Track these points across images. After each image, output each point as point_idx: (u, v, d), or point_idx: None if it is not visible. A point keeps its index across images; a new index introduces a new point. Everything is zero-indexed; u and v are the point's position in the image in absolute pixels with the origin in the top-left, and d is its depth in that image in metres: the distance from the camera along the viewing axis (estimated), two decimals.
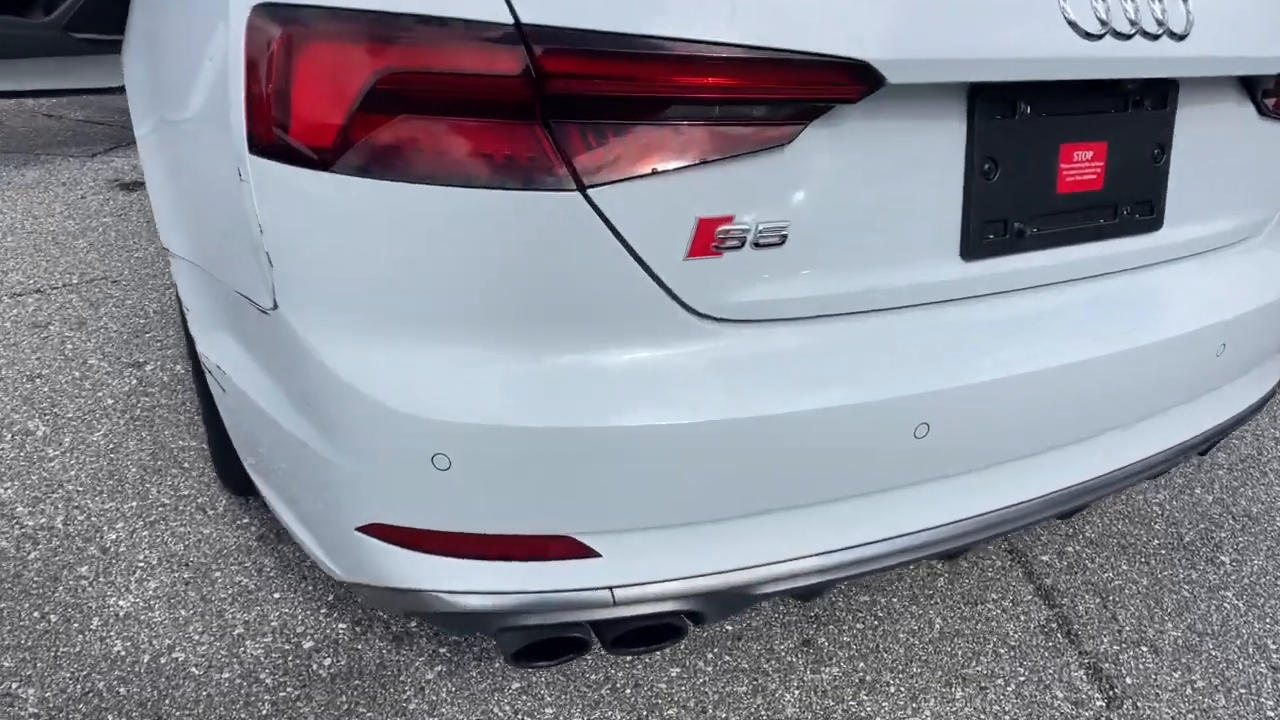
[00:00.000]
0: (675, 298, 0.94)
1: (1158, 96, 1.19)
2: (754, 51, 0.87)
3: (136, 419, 2.06)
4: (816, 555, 1.06)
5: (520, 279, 0.90)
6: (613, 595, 1.00)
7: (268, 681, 1.41)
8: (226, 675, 1.42)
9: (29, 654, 1.44)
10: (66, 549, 1.66)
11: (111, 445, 1.96)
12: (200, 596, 1.57)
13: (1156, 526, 1.92)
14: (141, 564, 1.64)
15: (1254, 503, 2.02)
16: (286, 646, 1.48)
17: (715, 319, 0.97)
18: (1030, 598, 1.69)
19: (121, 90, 2.81)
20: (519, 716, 1.38)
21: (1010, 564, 1.77)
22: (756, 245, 0.96)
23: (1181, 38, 1.10)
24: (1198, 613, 1.69)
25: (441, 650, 1.48)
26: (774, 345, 1.00)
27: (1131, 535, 1.89)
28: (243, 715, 1.35)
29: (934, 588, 1.69)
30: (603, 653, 1.46)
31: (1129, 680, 1.53)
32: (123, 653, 1.45)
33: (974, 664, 1.54)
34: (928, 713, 1.44)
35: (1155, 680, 1.54)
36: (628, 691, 1.44)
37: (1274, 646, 1.63)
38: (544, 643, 1.08)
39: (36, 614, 1.52)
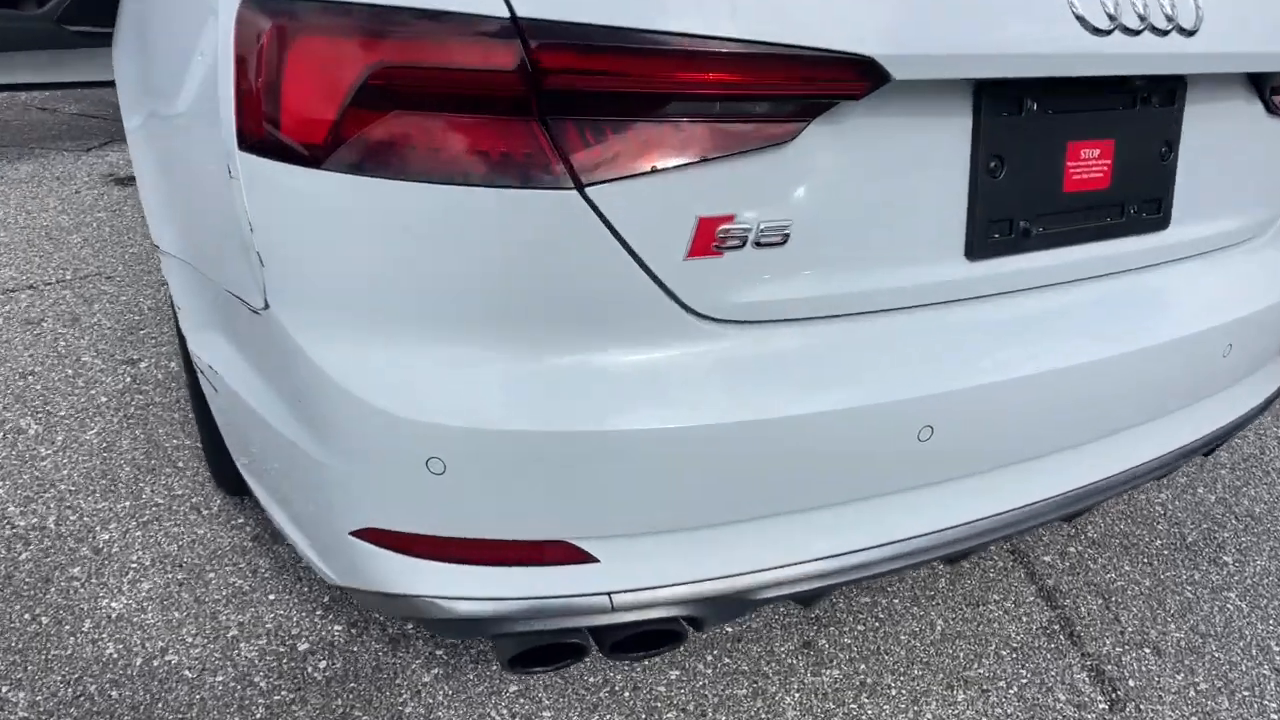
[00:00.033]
0: (675, 298, 0.92)
1: (1165, 94, 1.17)
2: (756, 47, 0.85)
3: (130, 417, 2.04)
4: (818, 560, 1.04)
5: (516, 279, 0.88)
6: (611, 601, 0.98)
7: (262, 685, 1.40)
8: (220, 678, 1.40)
9: (19, 657, 1.42)
10: (58, 549, 1.64)
11: (105, 444, 1.94)
12: (194, 598, 1.55)
13: (1159, 526, 1.91)
14: (134, 565, 1.62)
15: (1257, 502, 2.01)
16: (281, 649, 1.46)
17: (716, 320, 0.95)
18: (1032, 599, 1.67)
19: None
20: None
21: (1012, 565, 1.75)
22: (758, 245, 0.94)
23: (1191, 34, 1.08)
24: (1200, 614, 1.68)
25: (438, 653, 1.47)
26: (775, 346, 0.98)
27: (1134, 535, 1.87)
28: (236, 719, 1.34)
29: (935, 589, 1.68)
30: (601, 657, 1.45)
31: (1131, 683, 1.52)
32: (115, 655, 1.43)
33: (976, 666, 1.52)
34: (929, 716, 1.42)
35: (1158, 682, 1.52)
36: (626, 695, 1.42)
37: (1277, 648, 1.62)
38: (541, 648, 1.06)
39: (27, 616, 1.50)
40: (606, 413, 0.91)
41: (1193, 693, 1.51)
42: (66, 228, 3.09)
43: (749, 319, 0.97)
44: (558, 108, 0.84)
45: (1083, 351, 1.12)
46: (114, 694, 1.37)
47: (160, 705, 1.36)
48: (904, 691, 1.46)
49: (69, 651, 1.43)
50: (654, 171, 0.87)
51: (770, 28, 0.85)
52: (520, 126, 0.84)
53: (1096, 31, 1.00)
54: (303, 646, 1.47)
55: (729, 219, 0.91)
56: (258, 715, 1.35)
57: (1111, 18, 1.00)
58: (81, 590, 1.55)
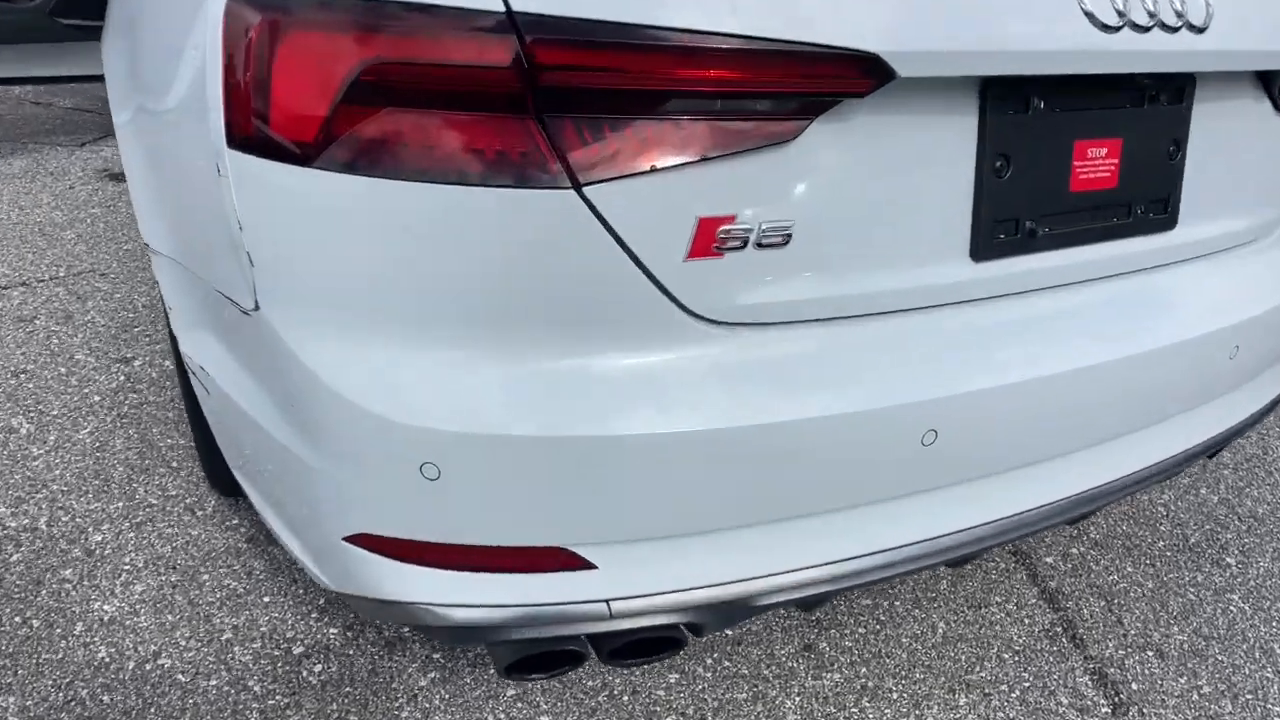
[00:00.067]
0: (675, 300, 0.91)
1: (1174, 92, 1.15)
2: (758, 43, 0.83)
3: (124, 416, 2.02)
4: (820, 565, 1.02)
5: (512, 281, 0.86)
6: (609, 608, 0.96)
7: (256, 689, 1.38)
8: (214, 682, 1.39)
9: (10, 660, 1.40)
10: (50, 551, 1.63)
11: (98, 443, 1.92)
12: (187, 600, 1.53)
13: (1162, 528, 1.89)
14: (127, 567, 1.60)
15: (1260, 503, 1.99)
16: (276, 652, 1.44)
17: (716, 322, 0.93)
18: (1034, 601, 1.66)
19: None
20: None
21: (1014, 566, 1.74)
22: (759, 245, 0.92)
23: (1200, 31, 1.06)
24: (1203, 616, 1.66)
25: (435, 656, 1.45)
26: (777, 349, 0.96)
27: (1136, 537, 1.86)
28: None
29: (937, 591, 1.66)
30: (599, 661, 1.43)
31: (1134, 686, 1.51)
32: (107, 659, 1.41)
33: (978, 669, 1.51)
34: None
35: (1161, 686, 1.51)
36: (625, 699, 1.41)
37: None
38: (538, 655, 1.04)
39: (18, 619, 1.48)
40: (605, 417, 0.90)
41: (1196, 696, 1.50)
42: (60, 224, 3.07)
43: (750, 321, 0.95)
44: (555, 105, 0.82)
45: (1088, 354, 1.10)
46: (106, 698, 1.35)
47: (153, 710, 1.34)
48: (905, 695, 1.45)
49: (60, 655, 1.42)
50: (653, 171, 0.85)
51: (773, 23, 0.83)
52: (516, 124, 0.82)
53: (1105, 28, 0.98)
54: (298, 650, 1.45)
55: (730, 219, 0.90)
56: None
57: (1120, 14, 0.98)
58: (73, 593, 1.54)
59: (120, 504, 1.75)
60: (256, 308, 0.93)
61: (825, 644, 1.53)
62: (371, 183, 0.83)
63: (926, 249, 1.02)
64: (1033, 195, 1.07)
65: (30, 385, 2.12)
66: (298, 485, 1.02)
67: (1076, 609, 1.65)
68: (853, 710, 1.42)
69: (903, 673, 1.49)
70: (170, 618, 1.49)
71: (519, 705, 1.38)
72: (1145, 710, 1.46)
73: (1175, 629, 1.63)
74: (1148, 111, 1.13)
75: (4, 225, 3.03)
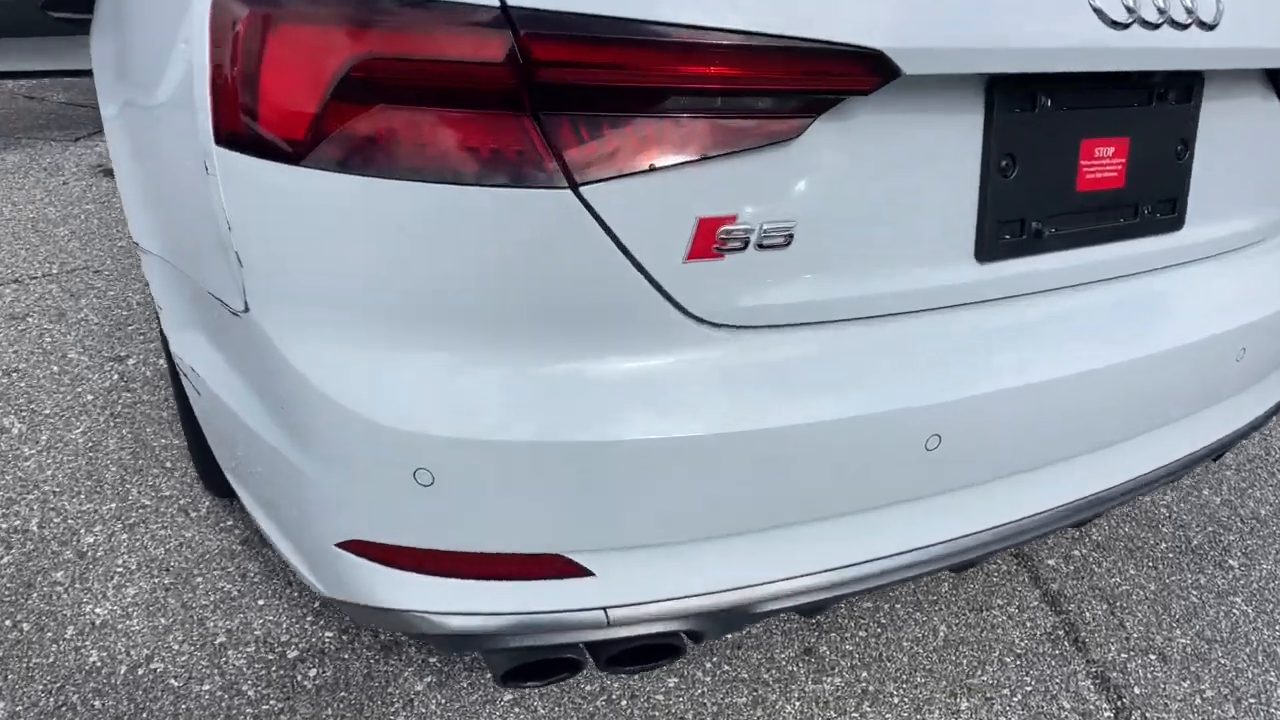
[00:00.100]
0: (674, 302, 0.89)
1: (1182, 90, 1.13)
2: (760, 39, 0.81)
3: (117, 416, 2.00)
4: (822, 572, 1.01)
5: (507, 283, 0.84)
6: (607, 616, 0.94)
7: (250, 694, 1.36)
8: (207, 687, 1.37)
9: None
10: (41, 553, 1.61)
11: (90, 443, 1.90)
12: (181, 603, 1.51)
13: (1164, 529, 1.88)
14: (120, 569, 1.58)
15: (1262, 504, 1.98)
16: (270, 656, 1.43)
17: (716, 325, 0.91)
18: (1036, 603, 1.64)
19: None
20: None
21: (1016, 569, 1.72)
22: (760, 246, 0.90)
23: (1211, 28, 1.04)
24: (1206, 619, 1.65)
25: (431, 660, 1.43)
26: (778, 353, 0.94)
27: (1139, 539, 1.84)
28: None
29: (938, 593, 1.64)
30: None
31: (1137, 690, 1.49)
32: (98, 663, 1.40)
33: (979, 673, 1.49)
34: None
35: (1164, 690, 1.50)
36: (624, 703, 1.39)
37: None
38: (535, 662, 1.03)
39: (8, 623, 1.46)
40: (602, 422, 0.88)
41: (1199, 700, 1.48)
42: (54, 220, 3.04)
43: (751, 324, 0.93)
44: (551, 102, 0.79)
45: (1094, 357, 1.08)
46: (97, 704, 1.33)
47: (145, 715, 1.32)
48: (906, 700, 1.43)
49: (51, 659, 1.40)
50: (652, 170, 0.83)
51: (775, 19, 0.81)
52: (511, 122, 0.79)
53: (1114, 25, 0.96)
54: (292, 654, 1.43)
55: (730, 220, 0.87)
56: None
57: (1130, 10, 0.96)
58: (64, 596, 1.52)
59: (113, 505, 1.73)
60: (246, 309, 0.91)
61: (825, 647, 1.52)
62: (363, 182, 0.81)
63: (930, 250, 1.00)
64: (1039, 195, 1.05)
65: (22, 384, 2.10)
66: (289, 490, 1.00)
67: (1079, 612, 1.64)
68: (853, 715, 1.40)
69: (904, 676, 1.47)
70: (163, 621, 1.48)
71: (516, 710, 1.37)
72: (1148, 715, 1.45)
73: (1178, 632, 1.61)
74: (1155, 110, 1.12)
75: None
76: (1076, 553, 1.79)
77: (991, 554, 1.15)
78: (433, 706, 1.36)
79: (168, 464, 1.85)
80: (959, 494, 1.07)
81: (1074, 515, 1.17)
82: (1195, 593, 1.71)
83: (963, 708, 1.43)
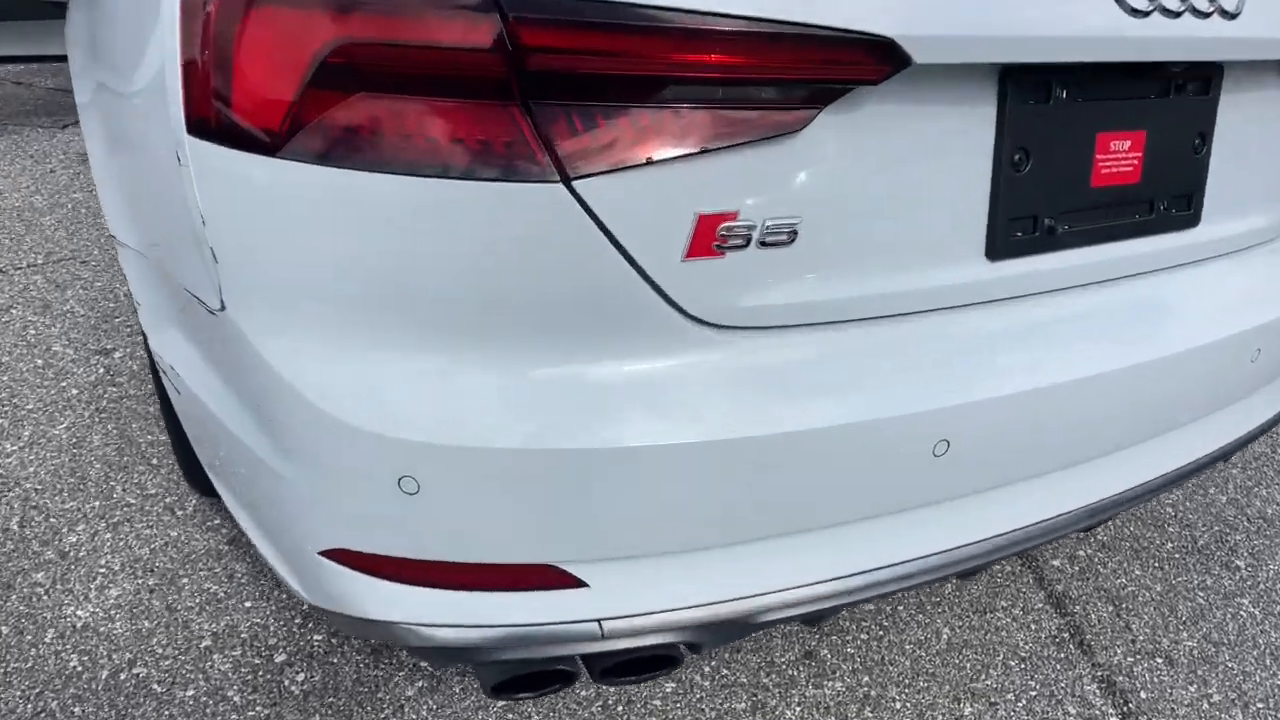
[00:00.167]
0: (672, 303, 0.84)
1: (1201, 81, 1.09)
2: (764, 25, 0.77)
3: (102, 411, 1.96)
4: (825, 581, 0.97)
5: (496, 282, 0.80)
6: (601, 628, 0.91)
7: (235, 699, 1.33)
8: (191, 693, 1.33)
9: None
10: (21, 553, 1.57)
11: (74, 439, 1.86)
12: (165, 605, 1.48)
13: (1170, 529, 1.84)
14: (103, 570, 1.54)
15: (1269, 504, 1.95)
16: (257, 660, 1.39)
17: (716, 326, 0.87)
18: (1041, 605, 1.61)
19: None
20: None
21: (1020, 570, 1.69)
22: (763, 244, 0.86)
23: (1233, 17, 0.99)
24: (1213, 621, 1.62)
25: (423, 665, 1.40)
26: (780, 355, 0.90)
27: (1144, 539, 1.81)
28: None
29: (941, 595, 1.61)
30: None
31: (1143, 694, 1.46)
32: (79, 668, 1.36)
33: (983, 677, 1.46)
34: None
35: (1170, 694, 1.47)
36: (620, 709, 1.36)
37: None
38: (527, 674, 0.99)
39: None
40: (597, 428, 0.84)
41: (1206, 705, 1.45)
42: (40, 209, 2.99)
43: (752, 325, 0.89)
44: (542, 91, 0.75)
45: (1107, 359, 1.04)
46: (77, 710, 1.30)
47: None
48: (909, 705, 1.40)
49: (30, 664, 1.36)
50: (649, 163, 0.79)
51: (779, 4, 0.77)
52: (500, 112, 0.75)
53: (1134, 13, 0.91)
54: (280, 658, 1.40)
55: (731, 216, 0.83)
56: None
57: None
58: (45, 597, 1.48)
59: (97, 503, 1.69)
60: (222, 307, 0.87)
61: (826, 651, 1.48)
62: (344, 175, 0.76)
63: (939, 248, 0.96)
64: (1052, 190, 1.00)
65: (4, 378, 2.06)
66: (271, 495, 0.96)
67: (1084, 614, 1.60)
68: None
69: (906, 681, 1.44)
70: (146, 624, 1.44)
71: (510, 716, 1.33)
72: None
73: (1184, 634, 1.58)
74: (1173, 102, 1.07)
75: None
76: (1081, 553, 1.75)
77: (998, 560, 1.12)
78: (424, 712, 1.33)
79: (153, 461, 1.81)
80: (967, 500, 1.03)
81: (1083, 521, 1.13)
82: (1202, 594, 1.68)
83: (966, 713, 1.40)
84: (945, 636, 1.53)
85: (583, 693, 1.38)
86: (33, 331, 2.25)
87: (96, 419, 1.93)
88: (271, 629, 1.44)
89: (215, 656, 1.39)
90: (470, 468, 0.83)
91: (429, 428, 0.82)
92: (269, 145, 0.77)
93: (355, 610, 0.93)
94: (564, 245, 0.79)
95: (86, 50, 1.24)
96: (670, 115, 0.78)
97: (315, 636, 1.44)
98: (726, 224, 0.83)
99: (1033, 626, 1.57)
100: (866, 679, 1.44)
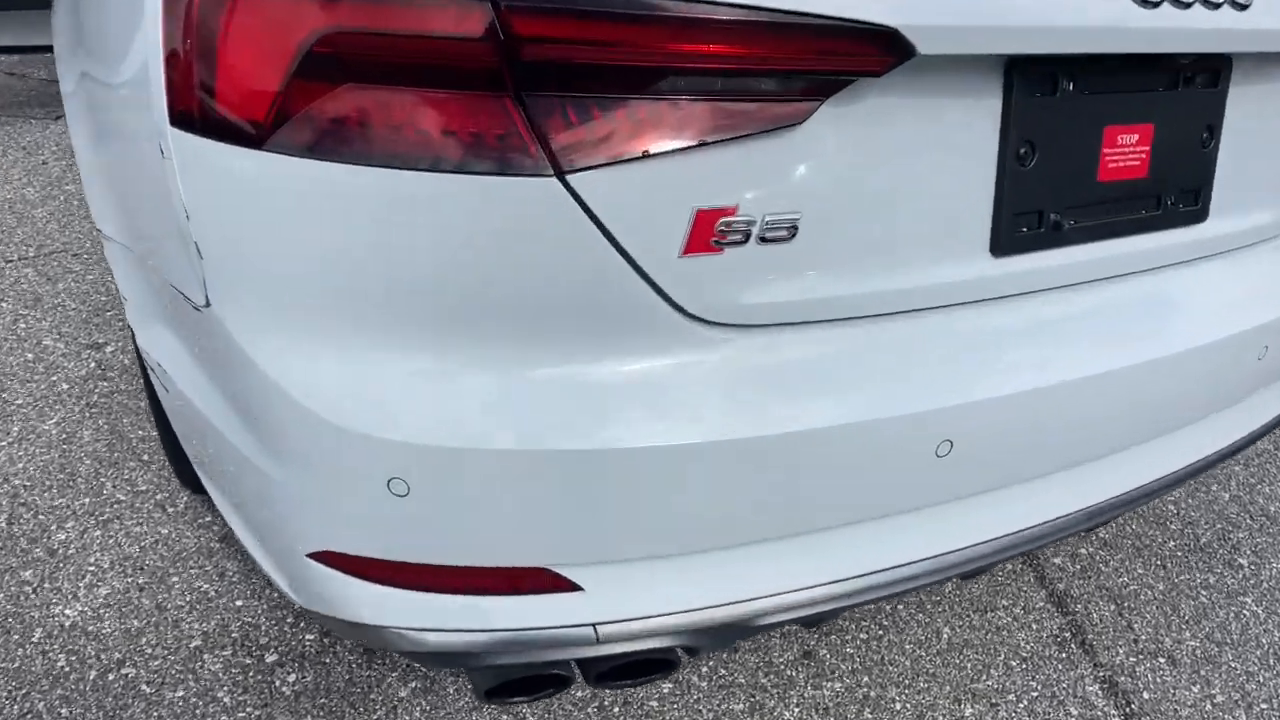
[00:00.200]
0: (669, 300, 0.82)
1: (1210, 73, 1.06)
2: (764, 14, 0.74)
3: (93, 406, 1.94)
4: (825, 584, 0.95)
5: (488, 279, 0.77)
6: (596, 633, 0.89)
7: (226, 701, 1.31)
8: (180, 693, 1.32)
9: None
10: (9, 551, 1.54)
11: (64, 435, 1.84)
12: (155, 604, 1.46)
13: (1172, 527, 1.83)
14: (92, 568, 1.52)
15: (1272, 501, 1.93)
16: (248, 661, 1.37)
17: (714, 324, 0.85)
18: (1042, 604, 1.60)
19: None
20: None
21: (1021, 568, 1.67)
22: (762, 240, 0.83)
23: (1244, 7, 0.97)
24: (1216, 620, 1.60)
25: (416, 666, 1.38)
26: (780, 354, 0.88)
27: (1146, 536, 1.79)
28: None
29: (941, 594, 1.60)
30: None
31: (1146, 695, 1.45)
32: (66, 668, 1.34)
33: (984, 678, 1.45)
34: None
35: (1173, 695, 1.45)
36: (616, 710, 1.34)
37: None
38: (520, 678, 0.97)
39: None
40: (592, 429, 0.81)
41: (1209, 706, 1.44)
42: (32, 201, 2.95)
43: (751, 323, 0.87)
44: (535, 82, 0.73)
45: (1113, 356, 1.02)
46: (64, 711, 1.28)
47: None
48: (909, 706, 1.39)
49: (16, 664, 1.34)
50: (645, 157, 0.76)
51: None
52: (492, 104, 0.73)
53: (1145, 3, 0.89)
54: (271, 658, 1.38)
55: (730, 211, 0.81)
56: None
57: None
58: (33, 596, 1.46)
59: (86, 500, 1.67)
60: (207, 304, 0.85)
61: (825, 651, 1.47)
62: (331, 168, 0.74)
63: (943, 243, 0.94)
64: (1059, 185, 0.98)
65: None
66: (259, 496, 0.94)
67: (1086, 613, 1.59)
68: None
69: (906, 681, 1.43)
70: (136, 623, 1.42)
71: (504, 717, 1.32)
72: None
73: (1187, 634, 1.57)
74: (1181, 95, 1.05)
75: None
76: (1083, 551, 1.74)
77: (1001, 561, 1.10)
78: (417, 714, 1.31)
79: (144, 457, 1.79)
80: (970, 501, 1.01)
81: (1088, 521, 1.12)
82: (1205, 593, 1.67)
83: (967, 714, 1.38)
84: (945, 636, 1.51)
85: (578, 694, 1.36)
86: (23, 325, 2.22)
87: (87, 414, 1.91)
88: (263, 628, 1.43)
89: (205, 656, 1.37)
90: (461, 469, 0.80)
91: (419, 428, 0.79)
92: (254, 137, 0.74)
93: (344, 614, 0.91)
94: (558, 241, 0.77)
95: (71, 38, 1.22)
96: (667, 107, 0.76)
97: (307, 636, 1.42)
98: (725, 219, 0.81)
99: (1034, 626, 1.55)
100: (866, 679, 1.42)
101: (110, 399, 1.96)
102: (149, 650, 1.38)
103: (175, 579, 1.51)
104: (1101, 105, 0.98)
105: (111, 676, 1.33)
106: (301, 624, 1.44)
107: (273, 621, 1.44)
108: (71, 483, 1.71)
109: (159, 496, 1.69)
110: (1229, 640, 1.57)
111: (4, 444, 1.81)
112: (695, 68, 0.75)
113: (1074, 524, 1.10)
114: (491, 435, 0.80)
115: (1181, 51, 0.98)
